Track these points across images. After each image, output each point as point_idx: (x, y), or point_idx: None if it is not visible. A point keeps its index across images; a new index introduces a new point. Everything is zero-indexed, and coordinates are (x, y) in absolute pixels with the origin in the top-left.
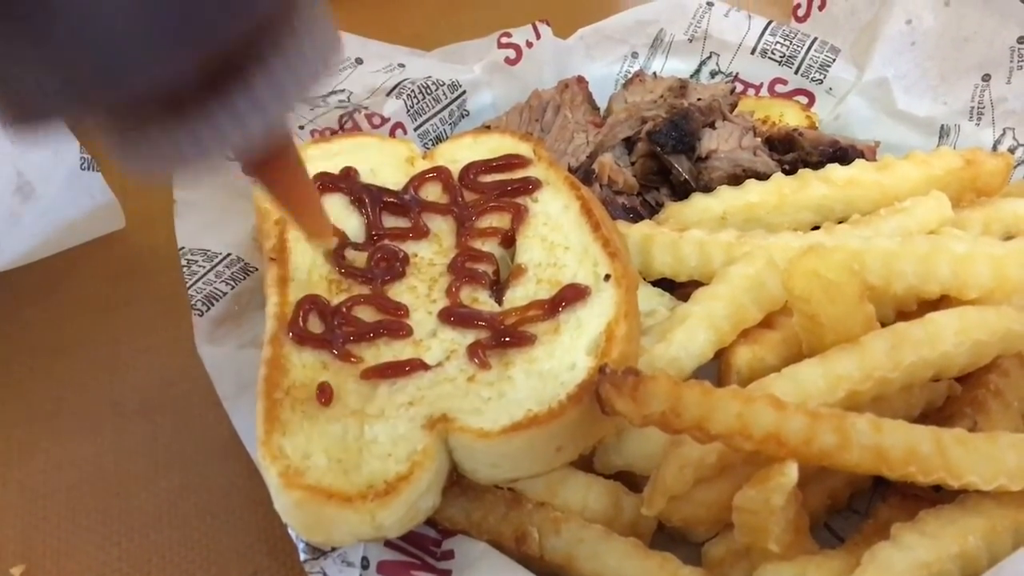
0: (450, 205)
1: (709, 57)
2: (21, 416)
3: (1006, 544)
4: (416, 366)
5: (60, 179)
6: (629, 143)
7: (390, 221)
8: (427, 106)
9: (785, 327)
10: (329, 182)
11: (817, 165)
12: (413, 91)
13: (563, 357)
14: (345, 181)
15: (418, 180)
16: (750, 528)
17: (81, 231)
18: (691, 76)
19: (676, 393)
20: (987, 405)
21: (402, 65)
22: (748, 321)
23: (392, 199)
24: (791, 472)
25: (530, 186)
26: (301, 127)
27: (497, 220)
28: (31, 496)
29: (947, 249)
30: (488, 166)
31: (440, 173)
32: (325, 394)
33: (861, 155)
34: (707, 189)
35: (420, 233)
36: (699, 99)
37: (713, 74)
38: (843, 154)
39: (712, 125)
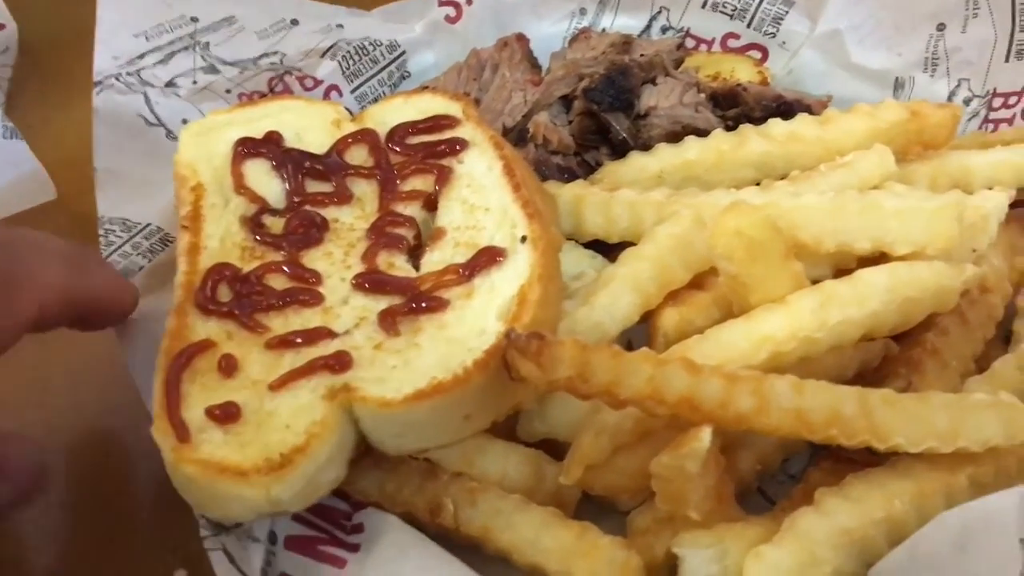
0: (374, 168)
1: (659, 12)
2: None
3: (937, 508)
4: (322, 335)
5: None
6: (567, 101)
7: (313, 186)
8: (364, 68)
9: (716, 288)
10: (251, 147)
11: (760, 121)
12: (349, 52)
13: (474, 322)
14: (267, 145)
15: (343, 143)
16: (669, 496)
17: (8, 202)
18: (641, 32)
19: (583, 358)
20: (923, 365)
21: (340, 26)
22: (675, 282)
23: (315, 163)
24: (705, 438)
25: (456, 147)
26: (228, 91)
27: (421, 183)
28: None
29: (877, 205)
30: (415, 128)
31: (366, 136)
32: (227, 365)
33: (808, 110)
34: (646, 147)
35: (343, 198)
36: (642, 55)
37: (664, 30)
38: (788, 109)
39: (653, 81)
